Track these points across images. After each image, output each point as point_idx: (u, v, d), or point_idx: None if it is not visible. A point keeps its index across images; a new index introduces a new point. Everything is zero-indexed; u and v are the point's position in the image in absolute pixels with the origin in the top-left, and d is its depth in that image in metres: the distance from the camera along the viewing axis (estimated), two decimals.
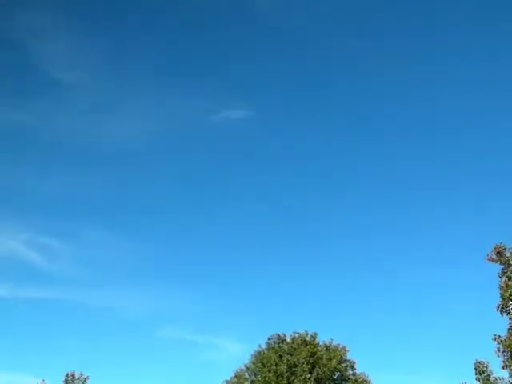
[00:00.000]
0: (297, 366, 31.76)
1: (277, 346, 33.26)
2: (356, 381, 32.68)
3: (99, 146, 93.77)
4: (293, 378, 31.40)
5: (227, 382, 33.49)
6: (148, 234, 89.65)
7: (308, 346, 32.56)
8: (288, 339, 33.69)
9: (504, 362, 23.74)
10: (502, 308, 23.33)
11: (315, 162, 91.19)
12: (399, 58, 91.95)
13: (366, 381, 32.94)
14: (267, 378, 31.36)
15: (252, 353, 33.60)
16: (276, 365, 31.73)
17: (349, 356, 33.35)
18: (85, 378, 32.46)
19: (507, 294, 22.90)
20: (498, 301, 23.55)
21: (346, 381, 32.81)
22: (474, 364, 25.09)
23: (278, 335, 33.88)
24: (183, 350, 69.80)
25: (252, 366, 32.95)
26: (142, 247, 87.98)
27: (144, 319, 77.12)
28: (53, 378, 40.38)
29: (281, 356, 32.36)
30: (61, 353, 67.61)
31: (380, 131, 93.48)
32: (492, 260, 23.59)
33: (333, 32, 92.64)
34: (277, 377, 31.30)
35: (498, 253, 23.34)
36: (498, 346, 23.70)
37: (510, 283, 22.72)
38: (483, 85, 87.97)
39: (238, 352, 65.62)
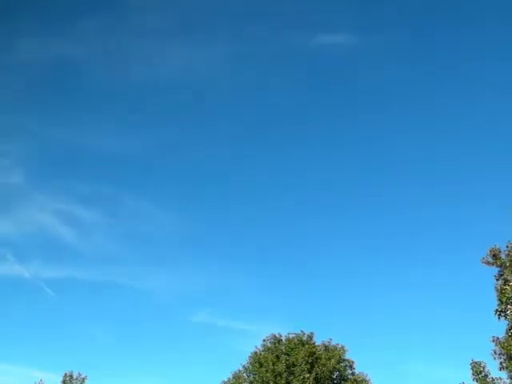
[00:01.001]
0: (295, 365, 31.79)
1: (273, 346, 33.31)
2: (355, 380, 32.65)
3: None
4: (291, 377, 31.44)
5: (225, 382, 33.64)
6: (191, 206, 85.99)
7: (306, 346, 32.55)
8: (283, 340, 33.73)
9: (501, 363, 23.80)
10: (501, 312, 23.36)
11: None
12: None
13: (365, 380, 32.94)
14: (265, 378, 31.41)
15: (249, 354, 33.78)
16: (273, 365, 31.79)
17: (347, 356, 33.44)
18: (83, 378, 32.72)
19: (505, 299, 22.92)
20: (494, 303, 23.65)
21: (345, 380, 32.78)
22: (470, 364, 25.03)
23: (274, 336, 33.89)
24: (219, 337, 67.43)
25: (250, 366, 33.05)
26: (183, 221, 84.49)
27: (179, 303, 75.14)
28: (78, 366, 40.51)
29: (278, 356, 32.41)
30: (88, 339, 67.61)
31: None
32: (487, 263, 23.65)
33: None
34: (275, 377, 31.35)
35: (494, 255, 23.39)
36: (494, 348, 23.79)
37: (506, 286, 22.73)
38: None
39: None
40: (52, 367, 58.40)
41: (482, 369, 24.87)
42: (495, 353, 23.75)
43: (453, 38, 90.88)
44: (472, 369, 24.98)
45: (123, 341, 69.08)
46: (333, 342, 33.58)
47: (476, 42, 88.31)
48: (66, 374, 32.84)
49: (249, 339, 71.44)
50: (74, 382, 32.47)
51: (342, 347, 33.35)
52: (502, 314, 23.28)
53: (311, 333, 33.80)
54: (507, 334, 23.65)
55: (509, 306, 22.90)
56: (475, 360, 25.06)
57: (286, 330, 35.54)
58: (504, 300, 22.86)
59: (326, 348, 33.19)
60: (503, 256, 23.49)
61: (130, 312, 74.40)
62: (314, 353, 32.46)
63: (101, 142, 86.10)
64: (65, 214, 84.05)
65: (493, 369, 24.31)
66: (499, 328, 23.93)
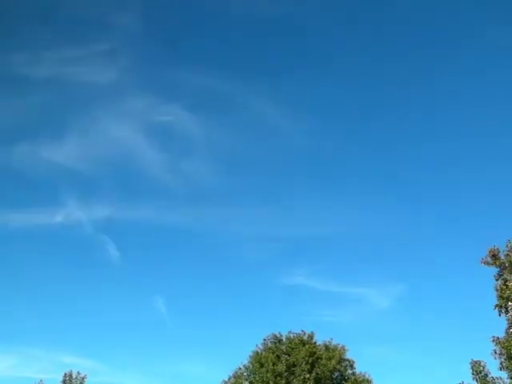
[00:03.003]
0: (296, 365, 31.81)
1: (273, 346, 33.34)
2: (356, 380, 32.65)
3: None
4: (292, 377, 31.45)
5: (225, 382, 33.67)
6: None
7: (307, 346, 32.59)
8: (284, 339, 33.76)
9: (501, 363, 23.74)
10: (501, 308, 23.36)
11: None
12: None
13: (366, 380, 32.96)
14: (265, 378, 31.42)
15: (250, 353, 33.78)
16: (274, 364, 31.79)
17: (348, 355, 33.46)
18: (82, 378, 32.74)
19: (506, 295, 22.92)
20: (495, 302, 23.64)
21: (346, 380, 32.78)
22: (470, 363, 24.99)
23: (275, 335, 33.92)
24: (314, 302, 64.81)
25: (250, 366, 33.07)
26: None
27: (270, 263, 73.23)
28: None
29: (278, 356, 32.42)
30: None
31: None
32: (487, 263, 23.63)
33: None
34: (275, 376, 31.37)
35: (493, 256, 23.37)
36: (494, 347, 23.74)
37: (505, 286, 22.73)
38: None
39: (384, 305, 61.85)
40: None
41: (481, 368, 24.80)
42: (495, 353, 23.66)
43: None
44: (472, 368, 24.93)
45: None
46: (333, 342, 33.70)
47: None
48: (65, 374, 32.85)
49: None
50: (73, 381, 32.53)
51: (343, 347, 33.39)
52: (503, 310, 23.27)
53: (312, 332, 33.90)
54: (507, 333, 23.59)
55: (510, 303, 22.90)
56: (475, 360, 25.03)
57: None
58: (505, 296, 22.87)
59: (327, 348, 33.20)
60: (502, 256, 23.48)
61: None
62: (315, 353, 32.48)
63: None
64: None
65: (493, 369, 24.27)
66: (499, 328, 23.95)
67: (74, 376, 32.71)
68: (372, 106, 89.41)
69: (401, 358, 61.07)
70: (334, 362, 32.28)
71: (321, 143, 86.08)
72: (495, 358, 23.87)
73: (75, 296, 71.15)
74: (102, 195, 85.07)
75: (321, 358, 32.28)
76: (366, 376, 33.02)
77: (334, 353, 32.77)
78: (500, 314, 23.47)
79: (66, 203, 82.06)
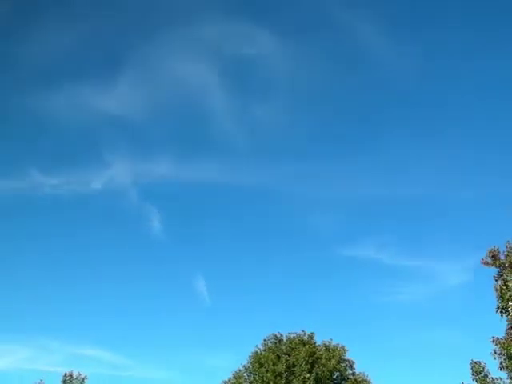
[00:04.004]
0: (295, 365, 31.90)
1: (274, 346, 33.42)
2: (355, 380, 32.77)
3: None
4: (292, 377, 31.54)
5: (225, 382, 33.72)
6: None
7: (307, 346, 32.70)
8: (284, 339, 33.84)
9: (501, 363, 23.79)
10: (502, 309, 23.39)
11: None
12: None
13: (366, 380, 33.03)
14: (265, 378, 31.52)
15: (249, 354, 33.85)
16: (274, 365, 31.88)
17: (348, 356, 33.52)
18: (83, 378, 32.87)
19: (507, 296, 22.96)
20: (495, 302, 23.69)
21: (346, 380, 32.91)
22: (470, 364, 25.02)
23: (275, 335, 34.07)
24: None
25: (250, 366, 33.14)
26: None
27: (335, 232, 64.83)
28: None
29: (278, 356, 32.51)
30: None
31: None
32: (486, 263, 23.69)
33: None
34: (275, 377, 31.45)
35: (493, 256, 23.45)
36: (494, 347, 23.79)
37: (505, 287, 22.76)
38: None
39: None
40: None
41: (481, 369, 24.85)
42: (495, 353, 23.71)
43: None
44: (472, 369, 24.98)
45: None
46: (333, 342, 33.76)
47: None
48: (65, 374, 32.98)
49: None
50: (74, 381, 32.59)
51: (343, 347, 33.51)
52: (504, 311, 23.30)
53: (312, 333, 34.04)
54: (507, 333, 23.63)
55: (510, 303, 22.93)
56: (475, 360, 25.08)
57: None
58: (506, 297, 22.90)
59: (327, 348, 33.31)
60: (502, 257, 23.54)
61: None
62: (315, 353, 32.59)
63: None
64: None
65: (493, 369, 24.31)
66: (499, 328, 23.99)
67: (74, 376, 32.80)
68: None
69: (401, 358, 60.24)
70: (333, 362, 32.40)
71: (425, 84, 69.11)
72: (495, 358, 23.93)
73: (103, 280, 63.60)
74: (154, 152, 69.49)
75: (321, 358, 32.39)
76: (365, 376, 33.11)
77: (334, 353, 32.91)
78: (502, 316, 23.48)
79: (109, 163, 68.13)
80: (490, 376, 25.11)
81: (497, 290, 23.36)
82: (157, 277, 63.58)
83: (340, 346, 33.50)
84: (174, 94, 70.86)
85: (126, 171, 66.54)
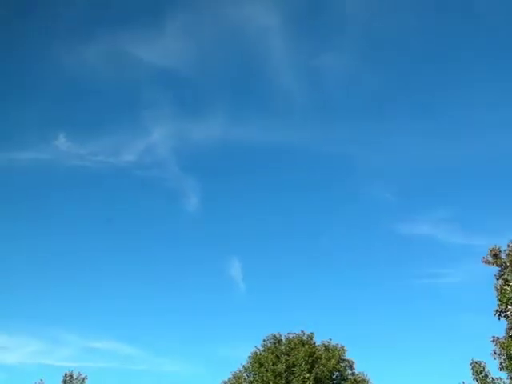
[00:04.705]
0: (295, 365, 31.88)
1: (273, 346, 33.41)
2: (355, 380, 32.77)
3: None
4: (291, 377, 31.53)
5: (225, 382, 33.69)
6: None
7: (306, 346, 32.69)
8: (284, 340, 33.82)
9: (501, 363, 23.79)
10: (501, 312, 23.40)
11: None
12: None
13: (365, 380, 33.03)
14: (265, 378, 31.49)
15: (249, 354, 33.82)
16: (273, 364, 31.87)
17: (347, 356, 33.51)
18: (83, 378, 32.78)
19: (505, 299, 22.95)
20: (494, 302, 23.69)
21: (345, 380, 32.89)
22: (471, 364, 25.03)
23: (274, 336, 34.03)
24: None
25: (250, 366, 33.11)
26: None
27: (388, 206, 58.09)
28: None
29: (278, 356, 32.49)
30: None
31: None
32: (488, 262, 23.70)
33: None
34: (275, 377, 31.43)
35: (494, 255, 23.47)
36: (494, 348, 23.80)
37: (506, 287, 22.76)
38: None
39: None
40: None
41: (482, 369, 24.83)
42: (495, 353, 23.72)
43: None
44: (472, 369, 24.98)
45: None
46: (332, 342, 33.75)
47: None
48: (66, 374, 32.92)
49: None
50: (74, 381, 32.52)
51: (342, 347, 33.51)
52: (502, 315, 23.31)
53: (311, 333, 34.02)
54: (507, 333, 23.64)
55: (509, 307, 22.92)
56: (475, 360, 25.09)
57: None
58: (504, 300, 22.88)
59: (326, 348, 33.30)
60: (503, 256, 23.56)
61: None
62: (314, 353, 32.57)
63: None
64: None
65: (493, 369, 24.30)
66: (499, 328, 24.00)
67: (74, 376, 32.72)
68: None
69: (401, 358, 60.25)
70: (333, 362, 32.39)
71: None
72: (495, 358, 23.94)
73: (127, 262, 56.59)
74: (201, 112, 58.65)
75: (320, 358, 32.38)
76: (365, 376, 33.11)
77: (334, 353, 32.90)
78: (499, 319, 23.49)
79: (148, 128, 55.87)
80: (490, 376, 25.17)
81: (497, 289, 23.37)
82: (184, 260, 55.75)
83: (340, 346, 33.52)
84: (227, 42, 59.58)
85: (166, 137, 56.71)
